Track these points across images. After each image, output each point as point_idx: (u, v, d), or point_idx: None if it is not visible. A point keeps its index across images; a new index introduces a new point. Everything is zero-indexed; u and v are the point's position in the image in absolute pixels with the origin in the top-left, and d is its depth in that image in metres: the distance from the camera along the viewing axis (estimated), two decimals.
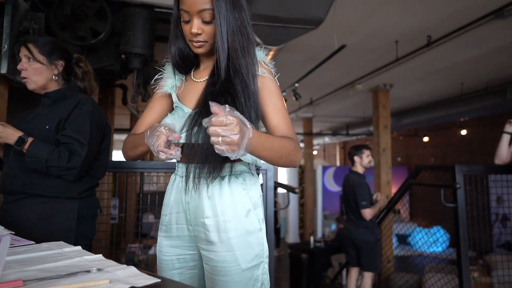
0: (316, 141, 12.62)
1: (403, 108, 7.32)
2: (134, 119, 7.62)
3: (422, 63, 4.44)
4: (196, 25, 0.90)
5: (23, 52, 1.40)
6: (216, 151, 0.71)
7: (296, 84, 4.68)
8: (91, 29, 2.71)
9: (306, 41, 3.48)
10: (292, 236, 8.83)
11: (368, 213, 3.07)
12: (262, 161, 0.94)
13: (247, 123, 0.72)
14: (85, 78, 1.53)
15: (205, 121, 0.70)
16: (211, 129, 0.68)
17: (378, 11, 3.13)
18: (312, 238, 5.16)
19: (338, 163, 12.62)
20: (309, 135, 9.05)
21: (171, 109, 1.07)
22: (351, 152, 3.35)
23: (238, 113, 0.70)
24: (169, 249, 0.99)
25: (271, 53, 2.97)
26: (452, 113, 5.81)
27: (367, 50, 4.09)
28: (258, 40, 2.73)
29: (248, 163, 0.98)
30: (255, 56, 0.96)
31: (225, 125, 0.68)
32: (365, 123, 8.22)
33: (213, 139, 0.69)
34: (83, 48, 2.82)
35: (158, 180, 2.48)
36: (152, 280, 0.58)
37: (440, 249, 5.90)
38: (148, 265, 3.64)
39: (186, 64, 1.02)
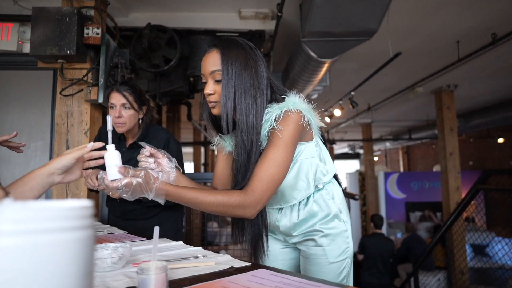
0: (377, 147, 12.23)
1: (471, 109, 6.87)
2: (196, 132, 8.17)
3: (488, 61, 4.21)
4: (208, 86, 0.97)
5: (119, 99, 1.44)
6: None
7: (352, 93, 4.70)
8: (164, 57, 3.08)
9: (361, 50, 3.54)
10: (354, 245, 8.64)
11: None
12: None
13: (159, 175, 0.87)
14: (151, 113, 1.64)
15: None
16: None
17: (435, 13, 3.10)
18: None
19: (401, 169, 12.07)
20: (368, 141, 8.85)
21: None
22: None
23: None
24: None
25: (326, 65, 3.08)
26: None
27: (425, 53, 4.00)
28: (312, 54, 2.87)
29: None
30: (260, 116, 0.96)
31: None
32: (429, 126, 7.83)
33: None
34: (156, 74, 3.21)
35: None
36: (245, 263, 0.76)
37: None
38: None
39: (218, 126, 1.08)
